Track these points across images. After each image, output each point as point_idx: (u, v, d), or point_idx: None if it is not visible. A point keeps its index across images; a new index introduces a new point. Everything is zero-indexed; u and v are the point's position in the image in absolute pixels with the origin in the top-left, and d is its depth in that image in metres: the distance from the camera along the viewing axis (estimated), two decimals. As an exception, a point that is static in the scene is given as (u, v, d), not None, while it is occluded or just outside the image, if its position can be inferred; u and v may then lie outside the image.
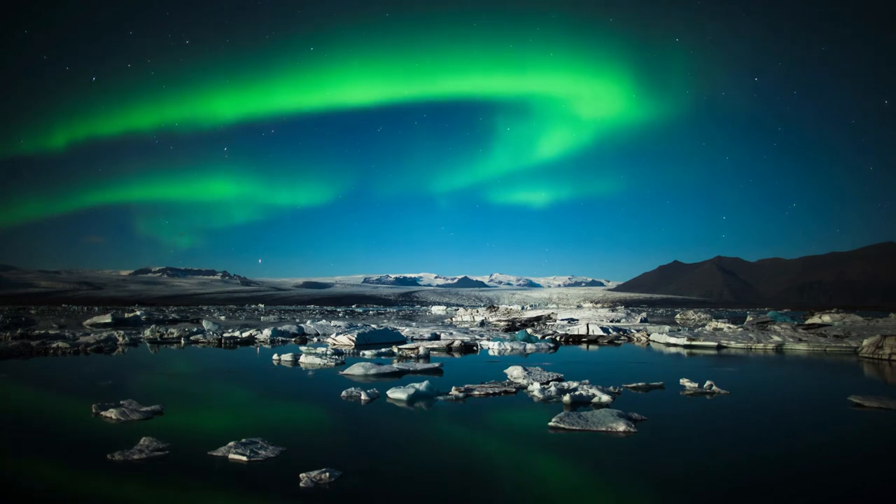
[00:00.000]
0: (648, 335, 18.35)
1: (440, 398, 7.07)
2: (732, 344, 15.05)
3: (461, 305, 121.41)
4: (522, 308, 46.15)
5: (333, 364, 10.66)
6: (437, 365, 10.46)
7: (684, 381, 8.14)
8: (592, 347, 16.10)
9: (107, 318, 28.75)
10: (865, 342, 13.27)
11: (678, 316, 45.45)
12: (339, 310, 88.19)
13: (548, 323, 29.47)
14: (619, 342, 17.68)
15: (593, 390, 7.18)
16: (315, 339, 17.64)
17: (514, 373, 8.90)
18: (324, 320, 29.60)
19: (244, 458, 4.31)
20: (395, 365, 10.17)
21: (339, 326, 20.90)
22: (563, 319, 33.21)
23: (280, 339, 17.73)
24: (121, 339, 16.28)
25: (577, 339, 18.12)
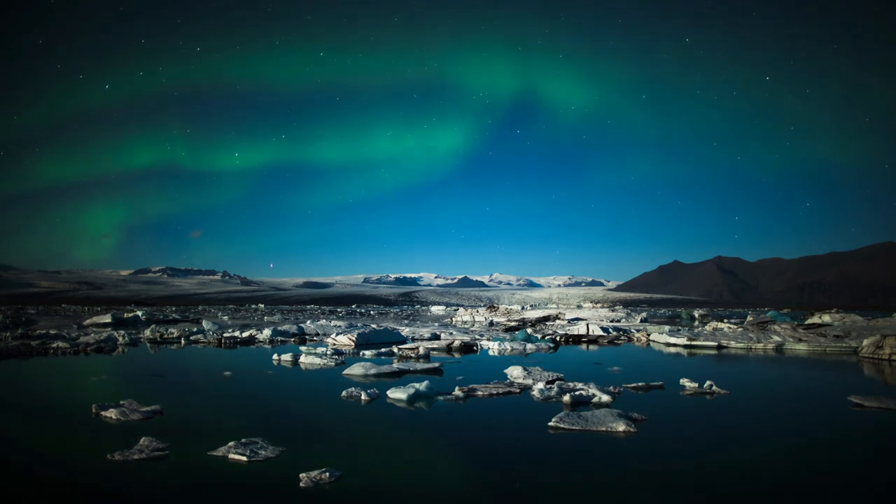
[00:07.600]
0: (648, 335, 18.34)
1: (440, 398, 7.07)
2: (732, 344, 15.04)
3: (461, 305, 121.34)
4: (522, 308, 46.16)
5: (333, 364, 10.65)
6: (437, 365, 10.46)
7: (684, 381, 8.13)
8: (592, 347, 16.10)
9: (107, 318, 28.74)
10: (865, 342, 13.27)
11: (678, 316, 45.40)
12: (339, 310, 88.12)
13: (548, 323, 29.48)
14: (620, 342, 17.68)
15: (593, 390, 7.17)
16: (315, 339, 17.64)
17: (515, 373, 8.90)
18: (324, 320, 29.61)
19: (244, 458, 4.31)
20: (396, 365, 10.16)
21: (340, 326, 20.91)
22: (567, 319, 33.19)
23: (280, 339, 17.73)
24: (121, 339, 16.28)
25: (578, 339, 18.11)
